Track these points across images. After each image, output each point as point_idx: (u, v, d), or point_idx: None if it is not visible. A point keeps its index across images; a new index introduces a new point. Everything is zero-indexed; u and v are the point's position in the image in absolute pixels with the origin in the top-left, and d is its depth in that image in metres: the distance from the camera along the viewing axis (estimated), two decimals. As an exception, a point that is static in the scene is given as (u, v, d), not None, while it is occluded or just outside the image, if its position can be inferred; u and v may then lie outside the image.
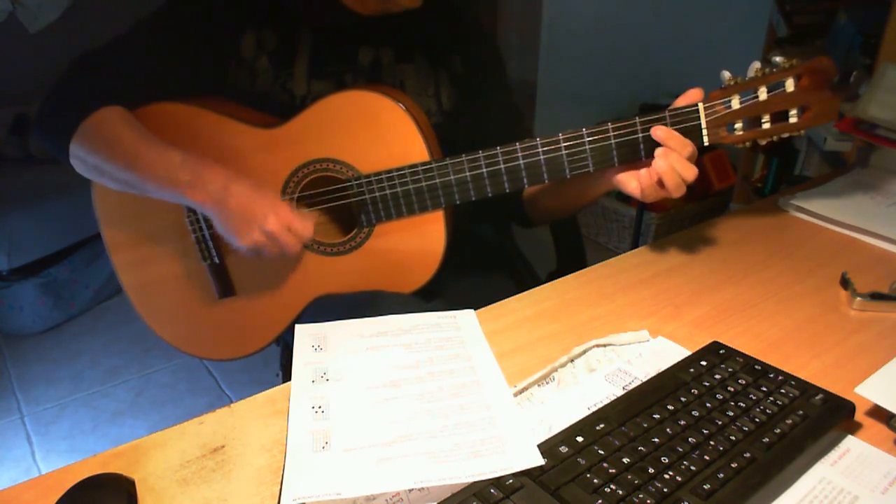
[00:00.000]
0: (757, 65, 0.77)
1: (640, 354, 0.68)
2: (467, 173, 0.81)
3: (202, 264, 0.91)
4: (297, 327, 0.72)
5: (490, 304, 0.78)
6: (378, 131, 0.83)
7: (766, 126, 0.78)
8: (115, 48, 0.86)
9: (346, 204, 0.85)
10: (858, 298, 0.75)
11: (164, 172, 0.78)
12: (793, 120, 0.78)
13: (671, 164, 0.75)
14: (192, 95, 0.87)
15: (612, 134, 0.77)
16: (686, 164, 0.76)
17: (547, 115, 3.10)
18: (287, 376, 0.66)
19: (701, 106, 0.77)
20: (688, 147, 0.76)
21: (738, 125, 0.78)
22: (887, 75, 1.08)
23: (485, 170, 0.80)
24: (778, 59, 0.76)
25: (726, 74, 0.77)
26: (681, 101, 0.78)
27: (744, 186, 2.12)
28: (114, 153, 0.79)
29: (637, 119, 0.77)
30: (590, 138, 0.78)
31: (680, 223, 2.39)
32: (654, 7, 2.56)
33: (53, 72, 0.85)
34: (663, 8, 2.54)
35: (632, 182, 0.79)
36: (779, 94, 0.77)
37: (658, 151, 0.76)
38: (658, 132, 0.76)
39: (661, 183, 0.77)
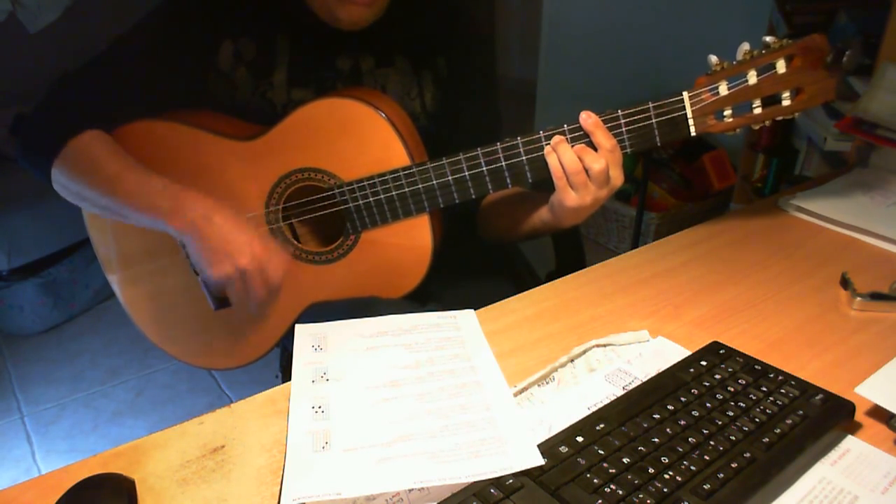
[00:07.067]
0: (746, 46, 0.73)
1: (640, 354, 0.67)
2: (449, 177, 0.80)
3: (196, 277, 0.90)
4: (298, 327, 0.72)
5: (490, 304, 0.78)
6: (358, 138, 0.82)
7: (758, 111, 0.74)
8: (92, 68, 0.85)
9: (333, 212, 0.85)
10: (858, 298, 0.75)
11: (145, 199, 0.78)
12: (786, 103, 0.74)
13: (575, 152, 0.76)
14: (172, 109, 0.86)
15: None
16: (591, 156, 0.75)
17: (547, 115, 3.09)
18: (286, 379, 0.66)
19: (686, 95, 0.74)
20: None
21: (728, 112, 0.75)
22: (887, 75, 1.08)
23: (467, 172, 0.80)
24: (768, 39, 0.72)
25: (713, 59, 0.74)
26: None
27: (744, 186, 2.11)
28: (94, 179, 0.79)
29: (620, 112, 0.75)
30: (572, 135, 0.77)
31: (680, 223, 2.39)
32: (654, 7, 2.56)
33: (53, 72, 0.85)
34: (663, 7, 2.53)
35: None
36: (770, 77, 0.72)
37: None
38: (586, 123, 0.75)
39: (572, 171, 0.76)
